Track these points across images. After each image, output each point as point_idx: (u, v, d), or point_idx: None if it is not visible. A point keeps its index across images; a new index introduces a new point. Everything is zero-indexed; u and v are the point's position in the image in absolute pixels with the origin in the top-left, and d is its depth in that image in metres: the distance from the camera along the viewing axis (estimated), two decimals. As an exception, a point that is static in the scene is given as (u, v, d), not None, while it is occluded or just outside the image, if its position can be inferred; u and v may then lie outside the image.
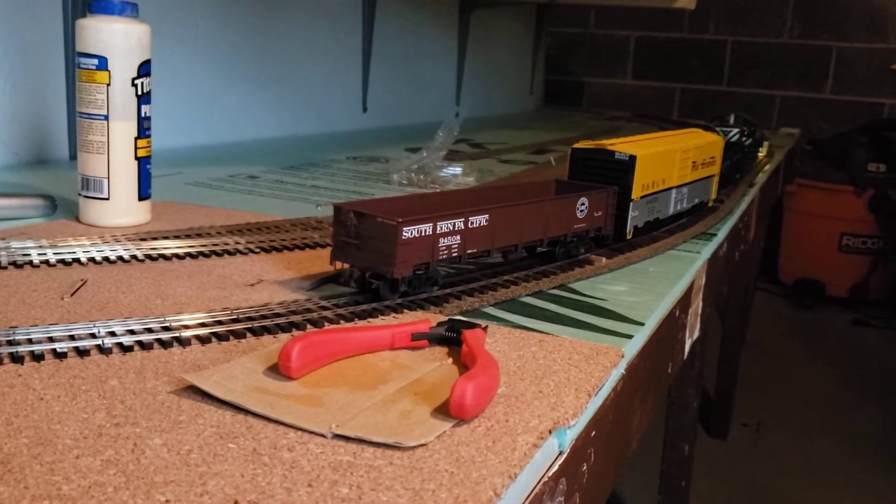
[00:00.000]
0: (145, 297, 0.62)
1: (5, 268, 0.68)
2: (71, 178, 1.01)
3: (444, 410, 0.44)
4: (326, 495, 0.36)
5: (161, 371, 0.49)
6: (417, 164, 1.25)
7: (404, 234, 0.59)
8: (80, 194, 0.85)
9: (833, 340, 3.20)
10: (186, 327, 0.55)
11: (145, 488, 0.36)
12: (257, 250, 0.78)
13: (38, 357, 0.49)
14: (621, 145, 0.83)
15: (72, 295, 0.62)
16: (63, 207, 0.91)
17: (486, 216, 0.66)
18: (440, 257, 0.63)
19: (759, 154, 1.73)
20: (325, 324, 0.58)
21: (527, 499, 0.42)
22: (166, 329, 0.54)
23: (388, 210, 0.62)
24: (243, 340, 0.54)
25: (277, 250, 0.78)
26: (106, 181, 0.83)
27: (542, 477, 0.44)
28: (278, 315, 0.58)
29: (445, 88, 2.56)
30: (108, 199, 0.84)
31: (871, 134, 3.49)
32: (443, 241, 0.62)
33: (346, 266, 0.64)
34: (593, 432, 0.52)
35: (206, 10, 1.55)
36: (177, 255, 0.74)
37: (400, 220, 0.59)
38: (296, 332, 0.56)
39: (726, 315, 2.47)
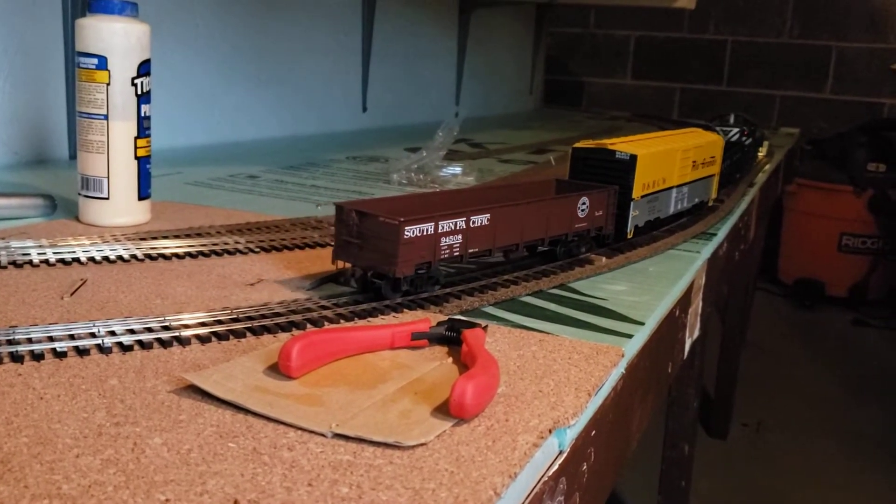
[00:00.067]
0: (145, 297, 0.62)
1: (5, 267, 0.68)
2: (71, 178, 1.01)
3: (444, 410, 0.44)
4: (326, 494, 0.36)
5: (161, 370, 0.49)
6: (417, 164, 1.25)
7: (406, 233, 0.59)
8: (79, 194, 0.85)
9: (833, 340, 3.20)
10: (186, 327, 0.55)
11: (145, 487, 0.36)
12: (257, 250, 0.78)
13: (37, 356, 0.49)
14: (622, 145, 0.83)
15: (71, 294, 0.62)
16: (63, 207, 0.91)
17: (488, 216, 0.66)
18: (442, 256, 0.63)
19: (759, 154, 1.73)
20: (325, 323, 0.58)
21: (527, 498, 0.42)
22: (166, 328, 0.54)
23: (390, 209, 0.62)
24: (243, 340, 0.54)
25: (277, 250, 0.78)
26: (106, 181, 0.83)
27: (542, 476, 0.44)
28: (278, 314, 0.58)
29: (445, 88, 2.56)
30: (107, 198, 0.84)
31: (871, 134, 3.49)
32: (444, 241, 0.62)
33: (348, 265, 0.64)
34: (593, 432, 0.52)
35: (206, 10, 1.55)
36: (176, 255, 0.74)
37: (402, 219, 0.58)
38: (296, 332, 0.56)
39: (726, 315, 2.47)
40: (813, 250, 3.56)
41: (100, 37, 0.80)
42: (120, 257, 0.72)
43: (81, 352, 0.50)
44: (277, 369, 0.48)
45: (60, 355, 0.50)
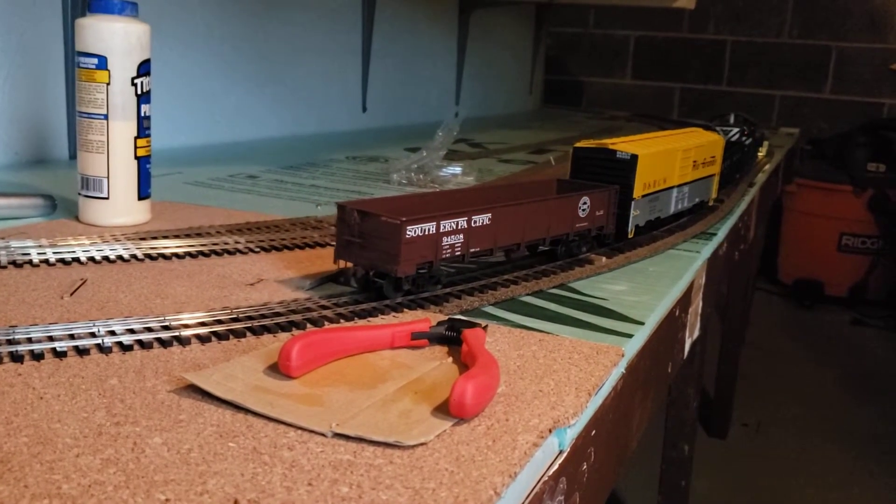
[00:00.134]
0: (145, 297, 0.62)
1: (5, 267, 0.68)
2: (71, 178, 1.01)
3: (444, 409, 0.44)
4: (326, 494, 0.36)
5: (161, 370, 0.49)
6: (417, 164, 1.25)
7: (408, 232, 0.59)
8: (79, 194, 0.85)
9: (832, 340, 3.20)
10: (186, 326, 0.55)
11: (145, 487, 0.36)
12: (257, 249, 0.77)
13: (37, 356, 0.49)
14: (623, 144, 0.83)
15: (71, 294, 0.62)
16: (63, 207, 0.91)
17: (489, 215, 0.66)
18: (443, 256, 0.63)
19: (759, 154, 1.73)
20: (325, 323, 0.58)
21: (527, 498, 0.42)
22: (166, 328, 0.54)
23: (392, 209, 0.62)
24: (243, 339, 0.54)
25: (277, 249, 0.78)
26: (106, 180, 0.83)
27: (543, 476, 0.44)
28: (278, 314, 0.58)
29: (445, 88, 2.56)
30: (107, 198, 0.84)
31: (871, 134, 3.49)
32: (446, 240, 0.62)
33: (349, 265, 0.64)
34: (593, 431, 0.51)
35: (206, 10, 1.55)
36: (176, 255, 0.74)
37: (404, 219, 0.58)
38: (296, 332, 0.56)
39: (726, 315, 2.47)
40: (812, 250, 3.56)
41: (100, 37, 0.80)
42: (120, 257, 0.72)
43: (81, 351, 0.50)
44: (277, 369, 0.48)
45: (60, 355, 0.50)
